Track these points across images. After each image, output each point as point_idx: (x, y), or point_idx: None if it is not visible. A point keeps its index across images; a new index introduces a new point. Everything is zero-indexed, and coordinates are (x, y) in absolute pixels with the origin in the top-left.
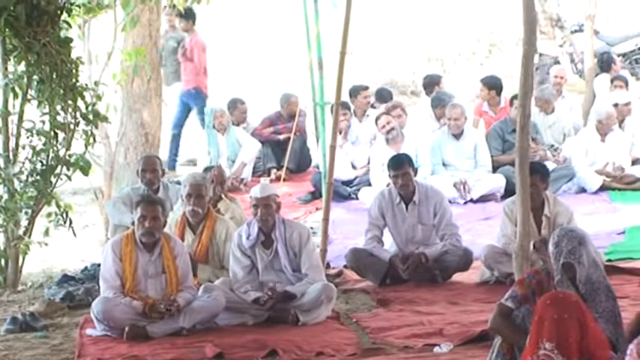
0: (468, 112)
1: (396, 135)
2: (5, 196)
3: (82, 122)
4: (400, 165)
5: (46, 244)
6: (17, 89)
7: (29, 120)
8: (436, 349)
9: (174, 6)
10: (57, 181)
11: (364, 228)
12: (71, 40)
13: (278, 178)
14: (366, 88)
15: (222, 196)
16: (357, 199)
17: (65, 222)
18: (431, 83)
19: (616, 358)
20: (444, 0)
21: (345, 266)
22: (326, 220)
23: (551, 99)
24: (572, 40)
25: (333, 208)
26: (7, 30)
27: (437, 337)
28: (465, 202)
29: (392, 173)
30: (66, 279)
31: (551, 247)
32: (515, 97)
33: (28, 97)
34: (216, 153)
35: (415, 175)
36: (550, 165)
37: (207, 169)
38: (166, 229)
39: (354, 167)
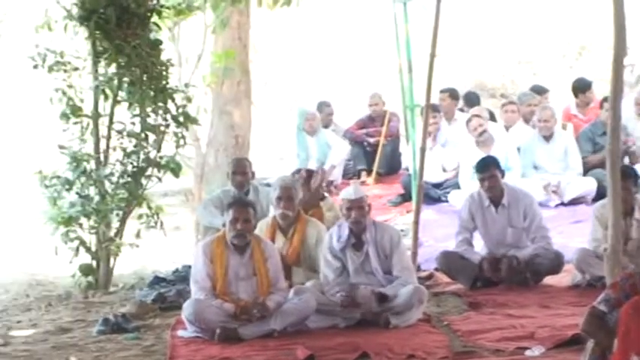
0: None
1: (487, 137)
2: (96, 198)
3: (173, 124)
4: (487, 167)
5: (137, 246)
6: (108, 91)
7: (120, 122)
8: (528, 353)
9: None
10: (147, 182)
11: (454, 230)
12: (161, 42)
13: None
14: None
15: (325, 194)
16: (447, 201)
17: (156, 223)
18: (538, 91)
19: None
20: (534, 2)
21: (436, 269)
22: (416, 222)
23: None
24: None
25: (423, 210)
26: (97, 32)
27: (528, 340)
28: (556, 206)
29: (479, 176)
30: (157, 280)
31: None
32: (605, 99)
33: (119, 99)
34: (305, 155)
35: (502, 177)
36: None
37: (295, 173)
38: (256, 232)
39: (444, 170)
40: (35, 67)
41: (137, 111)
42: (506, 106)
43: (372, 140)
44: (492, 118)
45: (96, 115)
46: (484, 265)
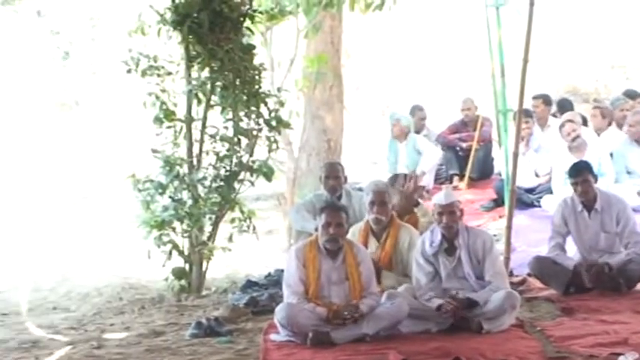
0: None
1: (580, 143)
2: (189, 202)
3: (265, 128)
4: (579, 172)
5: (230, 250)
6: (201, 95)
7: (213, 126)
8: (621, 359)
9: None
10: (240, 186)
11: (547, 236)
12: (254, 46)
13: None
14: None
15: (419, 201)
16: (539, 206)
17: (248, 227)
18: (631, 96)
19: None
20: (628, 6)
21: (529, 274)
22: (509, 227)
23: None
24: None
25: (516, 215)
26: (190, 37)
27: (622, 346)
28: None
29: (572, 180)
30: (250, 284)
31: None
32: None
33: (212, 103)
34: (394, 160)
35: (595, 182)
36: None
37: (392, 179)
38: (349, 237)
39: (536, 175)
40: (129, 71)
41: (230, 115)
42: (591, 111)
43: (464, 145)
44: (585, 123)
45: (189, 119)
46: (581, 270)
